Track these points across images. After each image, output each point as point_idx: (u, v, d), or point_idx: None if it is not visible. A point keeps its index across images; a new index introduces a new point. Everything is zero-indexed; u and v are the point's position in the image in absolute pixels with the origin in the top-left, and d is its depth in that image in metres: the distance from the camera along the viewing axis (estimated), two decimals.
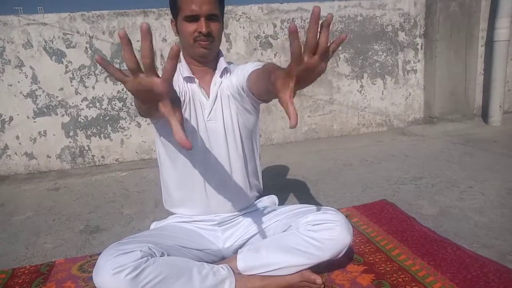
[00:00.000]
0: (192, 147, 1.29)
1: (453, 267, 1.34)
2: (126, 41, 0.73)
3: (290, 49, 0.78)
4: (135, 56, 0.75)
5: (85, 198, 2.37)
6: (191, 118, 1.30)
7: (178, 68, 1.33)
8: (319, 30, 0.77)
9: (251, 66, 1.26)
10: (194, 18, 1.21)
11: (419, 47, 3.60)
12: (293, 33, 0.75)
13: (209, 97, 1.32)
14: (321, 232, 1.24)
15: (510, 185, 2.08)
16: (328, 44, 0.79)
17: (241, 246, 1.37)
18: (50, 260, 1.62)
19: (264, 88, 1.08)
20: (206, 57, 1.29)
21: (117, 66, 2.98)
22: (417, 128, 3.62)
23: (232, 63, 1.41)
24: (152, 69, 0.76)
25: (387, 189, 2.17)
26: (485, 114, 3.64)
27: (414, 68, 3.64)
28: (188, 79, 1.31)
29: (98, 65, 2.95)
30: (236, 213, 1.41)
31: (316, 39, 0.77)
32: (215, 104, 1.32)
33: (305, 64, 0.79)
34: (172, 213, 1.45)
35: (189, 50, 1.29)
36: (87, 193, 2.46)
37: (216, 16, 1.24)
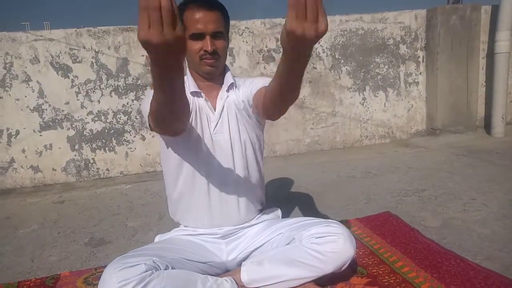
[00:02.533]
0: (197, 160, 1.32)
1: (457, 279, 1.34)
2: None
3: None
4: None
5: (90, 211, 2.39)
6: (197, 131, 1.32)
7: (184, 82, 1.36)
8: None
9: (260, 83, 1.28)
10: (199, 36, 1.23)
11: (420, 59, 3.64)
12: None
13: (215, 111, 1.34)
14: (324, 245, 1.25)
15: None
16: None
17: (244, 259, 1.38)
18: (55, 272, 1.63)
19: (269, 100, 1.11)
20: (212, 74, 1.32)
21: (121, 80, 3.04)
22: (420, 140, 3.63)
23: (237, 77, 1.44)
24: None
25: (390, 201, 2.17)
26: (487, 126, 3.66)
27: (416, 80, 3.67)
28: (195, 94, 1.33)
29: (103, 79, 3.01)
30: (240, 226, 1.42)
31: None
32: (221, 118, 1.34)
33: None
34: (177, 224, 1.47)
35: (195, 67, 1.31)
36: (91, 206, 2.48)
37: (221, 34, 1.26)
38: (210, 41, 1.23)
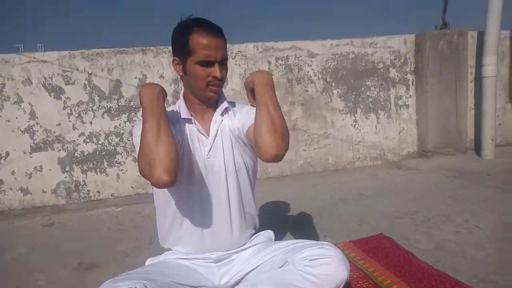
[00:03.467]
0: (190, 185, 1.31)
1: None
2: None
3: None
4: None
5: (80, 234, 2.34)
6: (190, 156, 1.31)
7: (177, 107, 1.36)
8: None
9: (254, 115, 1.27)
10: (208, 63, 1.23)
11: (410, 83, 3.70)
12: None
13: (209, 135, 1.34)
14: (318, 268, 1.23)
15: (506, 218, 2.09)
16: None
17: (237, 283, 1.35)
18: None
19: None
20: (214, 99, 1.32)
21: (114, 102, 3.05)
22: (411, 162, 3.65)
23: (234, 102, 1.44)
24: None
25: (384, 223, 2.17)
26: (477, 148, 3.70)
27: (406, 103, 3.72)
28: (187, 120, 1.33)
29: (96, 100, 3.01)
30: (232, 251, 1.40)
31: None
32: (215, 142, 1.34)
33: None
34: (167, 250, 1.44)
35: (197, 92, 1.31)
36: (81, 229, 2.44)
37: (227, 60, 1.28)
38: (219, 68, 1.24)
